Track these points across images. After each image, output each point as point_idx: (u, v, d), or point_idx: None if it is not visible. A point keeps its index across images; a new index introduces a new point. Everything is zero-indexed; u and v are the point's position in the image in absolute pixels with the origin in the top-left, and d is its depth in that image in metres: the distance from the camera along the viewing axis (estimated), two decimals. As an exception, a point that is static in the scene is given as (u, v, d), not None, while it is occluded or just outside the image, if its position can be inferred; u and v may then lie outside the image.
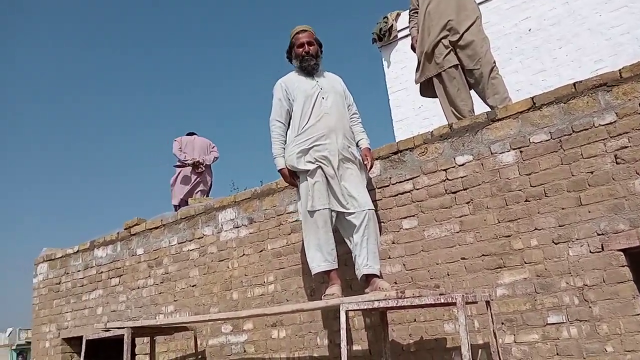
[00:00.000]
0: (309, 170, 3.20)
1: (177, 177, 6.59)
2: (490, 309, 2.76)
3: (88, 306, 5.19)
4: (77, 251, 5.52)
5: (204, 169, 6.65)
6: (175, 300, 4.47)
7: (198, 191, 6.52)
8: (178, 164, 6.61)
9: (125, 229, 5.13)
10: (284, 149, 3.34)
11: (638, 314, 2.58)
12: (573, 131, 2.90)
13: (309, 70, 3.43)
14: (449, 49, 4.02)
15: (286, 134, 3.39)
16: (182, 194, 6.43)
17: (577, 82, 2.97)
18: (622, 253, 2.66)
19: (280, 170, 3.33)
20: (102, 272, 5.17)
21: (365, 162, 3.34)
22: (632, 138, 2.73)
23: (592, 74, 3.36)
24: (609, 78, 2.86)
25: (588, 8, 6.86)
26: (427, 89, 4.31)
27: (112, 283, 5.03)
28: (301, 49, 3.42)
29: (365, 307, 2.70)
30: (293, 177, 3.31)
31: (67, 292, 5.47)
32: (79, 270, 5.41)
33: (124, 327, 3.75)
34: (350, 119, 3.46)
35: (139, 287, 4.78)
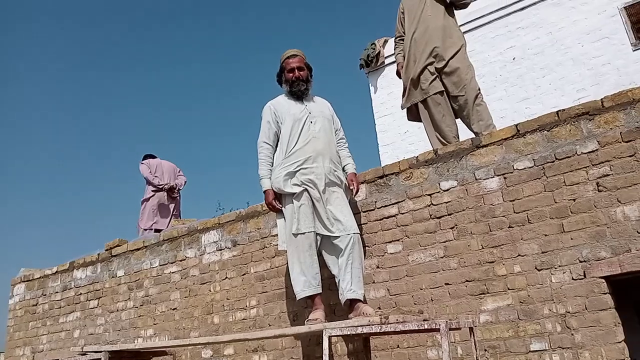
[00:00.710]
0: (295, 193, 3.19)
1: (149, 200, 6.38)
2: (474, 336, 2.73)
3: (65, 329, 5.05)
4: (56, 272, 5.39)
5: (178, 194, 6.58)
6: (154, 324, 4.37)
7: (171, 216, 6.43)
8: (154, 189, 6.44)
9: (106, 250, 5.04)
10: (271, 170, 3.33)
11: (619, 342, 2.57)
12: (556, 159, 2.93)
13: (299, 95, 3.45)
14: (434, 76, 4.07)
15: (274, 156, 3.38)
16: (160, 224, 6.25)
17: (560, 110, 3.02)
18: (604, 280, 2.67)
19: (265, 192, 3.31)
20: (80, 294, 5.05)
21: (350, 187, 3.34)
22: (614, 166, 2.77)
23: (574, 103, 3.44)
24: (591, 107, 2.91)
25: (571, 38, 7.05)
26: (413, 114, 4.35)
27: (91, 305, 4.92)
28: (291, 74, 3.44)
29: (348, 333, 2.66)
30: (277, 200, 3.29)
31: (43, 314, 5.33)
32: (57, 292, 5.28)
33: (101, 351, 3.64)
34: (337, 143, 3.48)
35: (118, 310, 4.67)
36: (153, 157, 6.71)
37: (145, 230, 6.14)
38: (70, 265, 5.28)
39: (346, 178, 3.38)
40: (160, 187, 6.49)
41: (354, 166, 3.45)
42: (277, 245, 3.44)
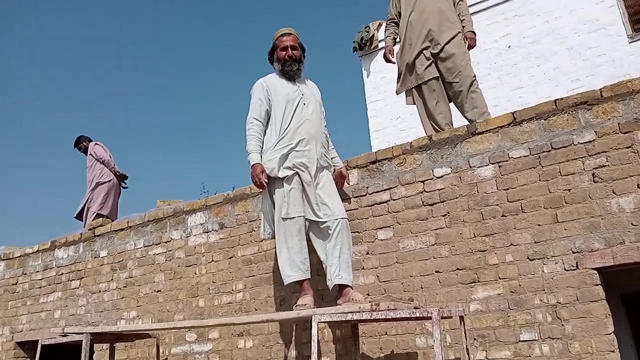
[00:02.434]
0: (286, 176, 3.11)
1: (105, 185, 6.16)
2: (464, 325, 2.71)
3: (45, 309, 4.95)
4: (37, 251, 5.28)
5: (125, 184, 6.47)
6: (138, 306, 4.29)
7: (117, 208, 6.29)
8: (110, 173, 6.24)
9: (89, 230, 4.93)
10: (261, 147, 3.22)
11: (610, 334, 2.56)
12: (552, 148, 2.89)
13: (291, 75, 3.35)
14: (430, 61, 4.00)
15: (264, 134, 3.27)
16: (108, 211, 6.09)
17: (558, 99, 2.97)
18: (596, 272, 2.64)
19: (253, 165, 3.13)
20: (62, 274, 4.95)
21: (339, 182, 3.32)
22: (610, 157, 2.72)
23: (568, 93, 3.39)
24: (589, 97, 2.86)
25: (567, 28, 7.00)
26: (410, 98, 4.28)
27: (72, 286, 4.82)
28: (284, 52, 3.33)
29: (338, 319, 2.61)
30: (264, 174, 3.10)
31: (23, 293, 5.22)
32: (38, 271, 5.17)
33: (82, 333, 3.56)
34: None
35: (100, 291, 4.59)
36: (90, 140, 6.49)
37: (95, 214, 5.94)
38: (51, 244, 5.16)
39: (334, 174, 3.33)
40: (119, 173, 6.31)
41: (341, 162, 3.43)
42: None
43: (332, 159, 3.40)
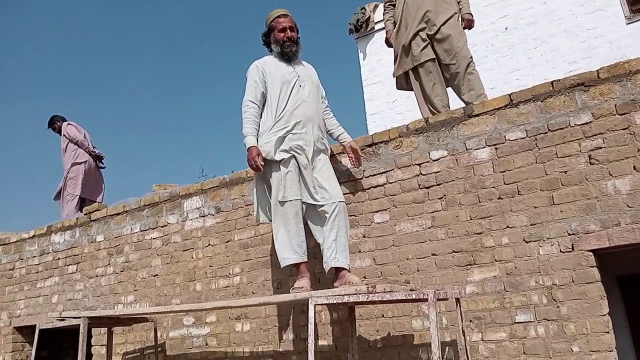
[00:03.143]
0: (283, 159, 3.09)
1: (81, 165, 5.97)
2: (460, 307, 2.72)
3: (43, 294, 4.96)
4: (33, 236, 5.26)
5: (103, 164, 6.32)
6: (135, 290, 4.30)
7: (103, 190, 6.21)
8: (85, 153, 6.04)
9: (85, 214, 4.91)
10: (257, 130, 3.20)
11: (604, 315, 2.58)
12: (549, 130, 2.87)
13: (290, 56, 3.31)
14: (426, 42, 3.97)
15: (260, 117, 3.25)
16: (89, 193, 5.96)
17: (554, 80, 2.94)
18: (591, 253, 2.66)
19: (249, 148, 3.10)
20: (59, 259, 4.95)
21: (350, 157, 3.30)
22: (607, 139, 2.72)
23: (565, 75, 3.36)
24: (586, 78, 2.84)
25: (565, 9, 6.94)
26: (401, 82, 4.25)
27: (69, 270, 4.82)
28: (283, 34, 3.29)
29: (335, 302, 2.62)
30: (260, 157, 3.08)
31: (20, 278, 5.22)
32: (35, 256, 5.17)
33: (80, 317, 3.58)
34: (324, 111, 3.39)
35: (97, 276, 4.59)
36: (64, 119, 6.23)
37: (75, 197, 5.82)
38: (48, 229, 5.15)
39: (346, 148, 3.33)
40: (95, 153, 6.12)
41: (350, 136, 3.39)
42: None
43: (339, 136, 3.39)
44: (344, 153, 3.47)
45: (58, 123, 6.18)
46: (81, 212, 5.33)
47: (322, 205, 3.07)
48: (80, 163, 5.99)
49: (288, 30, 3.29)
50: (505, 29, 7.30)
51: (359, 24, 8.39)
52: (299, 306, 3.42)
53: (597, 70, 2.83)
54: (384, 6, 4.46)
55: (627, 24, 6.60)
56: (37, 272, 5.09)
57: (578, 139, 2.80)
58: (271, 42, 3.34)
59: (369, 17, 8.37)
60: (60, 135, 6.16)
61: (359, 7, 8.47)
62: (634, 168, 2.63)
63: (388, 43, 4.33)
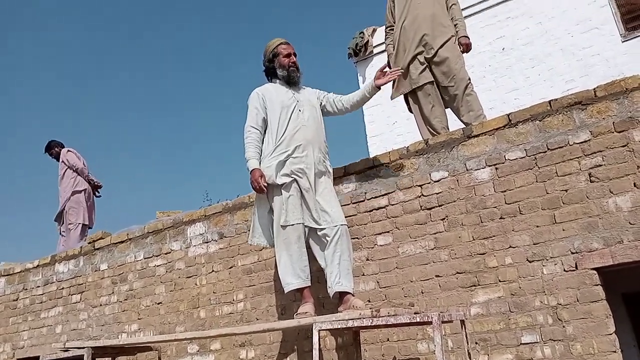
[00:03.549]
0: (285, 183, 3.11)
1: (81, 194, 6.01)
2: (465, 329, 2.70)
3: (47, 324, 4.93)
4: (37, 266, 5.27)
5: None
6: (139, 319, 4.28)
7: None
8: (85, 181, 6.07)
9: (89, 243, 4.92)
10: (259, 154, 3.23)
11: (611, 334, 2.55)
12: (548, 149, 2.89)
13: (295, 81, 3.38)
14: (424, 65, 4.01)
15: (262, 142, 3.29)
16: (89, 218, 6.01)
17: (552, 100, 2.97)
18: (595, 272, 2.64)
19: (252, 170, 3.13)
20: (62, 288, 4.94)
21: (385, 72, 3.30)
22: (606, 157, 2.73)
23: (563, 94, 3.40)
24: (583, 97, 2.87)
25: (560, 29, 7.03)
26: (395, 93, 4.30)
27: (73, 300, 4.81)
28: (288, 59, 3.37)
29: (339, 327, 2.61)
30: (263, 178, 3.10)
31: (24, 309, 5.20)
32: (39, 286, 5.16)
33: (84, 347, 3.56)
34: (333, 97, 3.45)
35: (101, 305, 4.57)
36: (62, 145, 6.24)
37: (80, 225, 5.85)
38: (52, 258, 5.15)
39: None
40: (94, 182, 6.15)
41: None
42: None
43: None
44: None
45: (56, 149, 6.21)
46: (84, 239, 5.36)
47: (325, 229, 3.07)
48: (81, 191, 6.04)
49: (293, 55, 3.36)
50: (503, 49, 7.39)
51: (358, 48, 8.51)
52: (303, 332, 3.39)
53: (594, 89, 2.87)
54: (385, 31, 4.54)
55: (623, 41, 6.69)
56: (41, 303, 5.07)
57: (577, 157, 2.81)
58: (276, 68, 3.40)
59: (368, 41, 8.50)
60: (58, 160, 6.18)
61: (358, 32, 8.61)
62: (635, 185, 2.64)
63: (390, 66, 4.38)
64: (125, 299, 4.42)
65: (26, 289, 5.27)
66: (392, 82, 4.26)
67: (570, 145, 2.84)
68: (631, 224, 2.61)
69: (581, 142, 2.81)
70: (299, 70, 3.40)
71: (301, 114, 3.27)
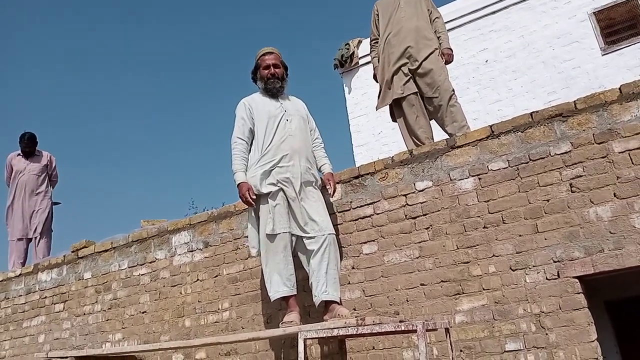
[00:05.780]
0: (271, 192, 3.12)
1: (51, 204, 5.91)
2: (450, 337, 2.73)
3: (29, 334, 4.85)
4: (20, 274, 5.19)
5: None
6: (123, 328, 4.23)
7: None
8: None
9: (72, 252, 4.87)
10: (246, 165, 3.25)
11: (593, 341, 2.60)
12: (530, 159, 2.95)
13: (274, 92, 3.39)
14: (408, 77, 4.07)
15: (249, 153, 3.30)
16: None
17: (534, 112, 3.04)
18: (577, 280, 2.69)
19: (239, 184, 3.16)
20: (45, 297, 4.87)
21: (327, 187, 3.31)
22: (587, 167, 2.79)
23: (545, 105, 3.48)
24: (564, 109, 2.94)
25: (542, 42, 7.18)
26: (380, 106, 4.35)
27: (56, 309, 4.74)
28: (267, 71, 3.38)
29: (324, 335, 2.62)
30: (251, 191, 3.13)
31: (6, 318, 5.12)
32: (21, 295, 5.08)
33: (67, 357, 3.53)
34: (313, 143, 3.44)
35: (85, 314, 4.52)
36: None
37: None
38: (34, 267, 5.09)
39: (322, 178, 3.34)
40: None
41: (330, 166, 3.42)
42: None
43: (320, 167, 3.41)
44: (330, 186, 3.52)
45: (37, 149, 6.04)
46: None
47: (313, 237, 3.08)
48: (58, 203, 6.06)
49: (272, 67, 3.38)
50: (486, 61, 7.52)
51: (344, 59, 8.59)
52: (289, 340, 3.39)
53: (574, 101, 2.94)
54: (370, 44, 4.59)
55: (602, 55, 6.85)
56: (24, 312, 5.00)
57: (559, 168, 2.87)
58: (257, 79, 3.43)
59: (353, 52, 8.58)
60: (37, 158, 5.98)
61: (343, 43, 8.69)
62: (614, 195, 2.70)
63: (376, 79, 4.44)
64: (109, 308, 4.37)
65: (8, 298, 5.19)
66: (378, 92, 4.33)
67: (551, 156, 2.90)
68: (611, 233, 2.67)
69: (562, 153, 2.88)
70: (280, 81, 3.39)
71: (288, 124, 3.29)
